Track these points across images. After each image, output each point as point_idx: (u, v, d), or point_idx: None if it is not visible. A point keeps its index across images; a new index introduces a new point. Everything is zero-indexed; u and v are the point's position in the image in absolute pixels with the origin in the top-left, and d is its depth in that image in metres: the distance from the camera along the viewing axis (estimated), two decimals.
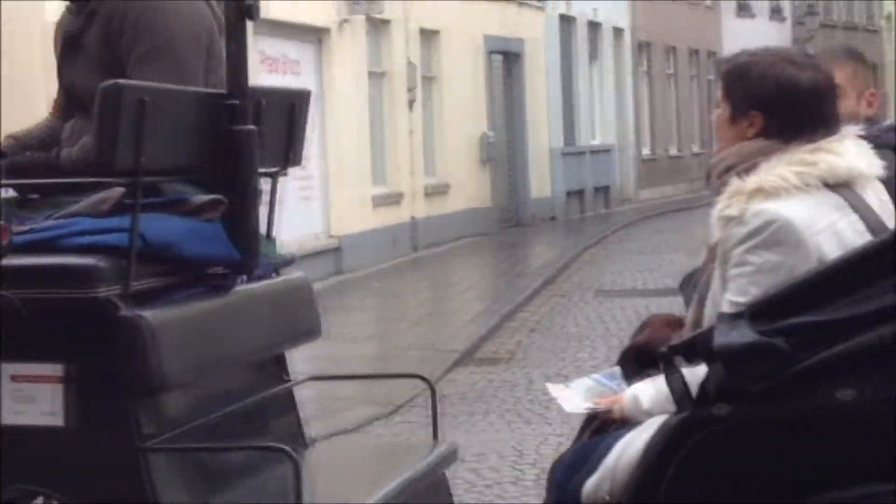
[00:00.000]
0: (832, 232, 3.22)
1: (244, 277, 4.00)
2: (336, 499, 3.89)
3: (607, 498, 3.32)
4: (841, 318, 2.93)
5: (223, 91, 3.91)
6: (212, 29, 4.13)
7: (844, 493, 2.96)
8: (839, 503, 2.97)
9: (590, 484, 3.38)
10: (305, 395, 9.23)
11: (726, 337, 2.94)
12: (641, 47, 31.25)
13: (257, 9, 3.88)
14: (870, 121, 4.22)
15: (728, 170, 3.34)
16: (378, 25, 19.18)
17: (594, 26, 28.62)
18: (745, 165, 3.30)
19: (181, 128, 3.79)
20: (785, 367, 2.92)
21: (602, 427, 3.61)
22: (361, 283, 16.63)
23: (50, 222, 3.70)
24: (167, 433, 3.63)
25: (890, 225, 3.30)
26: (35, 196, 3.98)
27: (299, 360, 12.02)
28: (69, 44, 4.11)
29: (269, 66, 16.15)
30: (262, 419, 4.20)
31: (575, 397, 3.72)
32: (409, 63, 20.08)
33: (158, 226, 3.71)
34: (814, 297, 2.97)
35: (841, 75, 4.14)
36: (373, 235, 18.28)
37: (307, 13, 16.80)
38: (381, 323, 13.98)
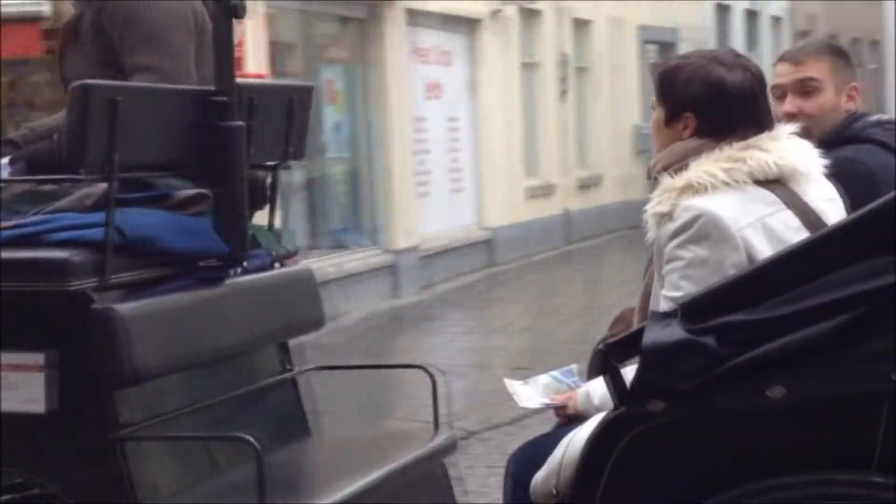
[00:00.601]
0: (760, 226, 3.27)
1: (237, 270, 4.05)
2: (328, 484, 3.98)
3: (554, 492, 3.39)
4: (772, 317, 2.95)
5: (210, 88, 3.98)
6: (199, 17, 4.23)
7: (775, 483, 3.00)
8: (770, 494, 3.01)
9: (538, 478, 3.45)
10: (458, 388, 9.15)
11: (655, 335, 2.99)
12: (801, 36, 30.61)
13: (243, 7, 3.96)
14: (853, 115, 4.22)
15: (664, 169, 3.42)
16: (530, 16, 19.03)
17: (752, 14, 28.10)
18: (679, 164, 3.38)
19: (164, 125, 3.87)
20: (714, 366, 2.95)
21: (568, 422, 3.67)
22: (514, 275, 16.50)
23: (35, 217, 3.84)
24: (147, 422, 3.74)
25: (831, 223, 3.31)
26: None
27: (456, 351, 11.95)
28: (67, 37, 4.26)
29: (420, 57, 16.11)
30: (260, 409, 4.28)
31: (532, 393, 3.79)
32: (562, 53, 19.88)
33: (138, 220, 3.81)
34: (746, 296, 3.00)
35: (819, 70, 4.20)
36: (525, 227, 18.14)
37: (460, 4, 16.72)
38: (535, 316, 13.82)
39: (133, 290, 3.77)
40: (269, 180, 4.37)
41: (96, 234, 3.69)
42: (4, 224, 3.79)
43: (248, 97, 4.03)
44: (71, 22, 4.29)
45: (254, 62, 12.18)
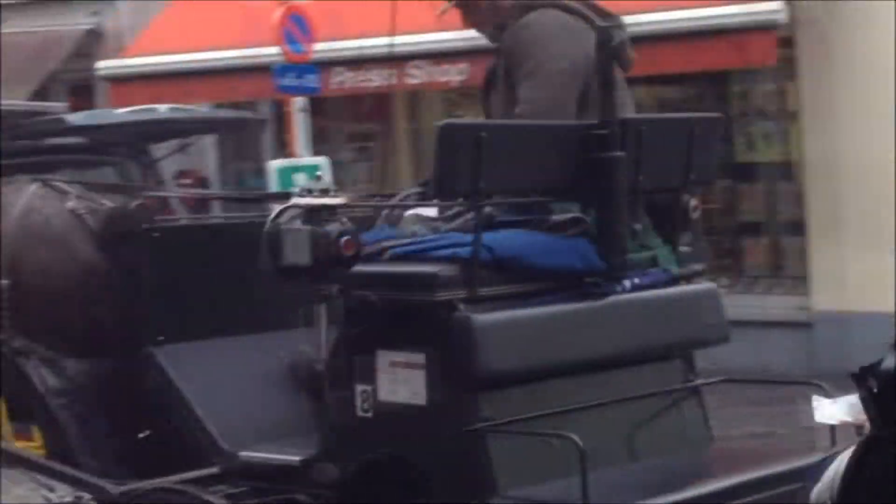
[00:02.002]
0: None
1: (626, 286, 4.47)
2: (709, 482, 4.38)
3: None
4: None
5: (590, 122, 4.43)
6: (592, 62, 4.55)
7: None
8: None
9: (816, 490, 3.57)
10: None
11: (892, 362, 3.02)
12: None
13: (624, 52, 4.55)
14: None
15: None
16: None
17: None
18: None
19: (535, 155, 4.35)
20: None
21: None
22: None
23: (428, 236, 4.46)
24: (513, 418, 4.15)
25: None
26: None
27: None
28: (488, 79, 4.88)
29: None
30: (663, 416, 4.66)
31: (835, 410, 3.97)
32: None
33: (510, 240, 4.34)
34: None
35: None
36: None
37: None
38: None
39: (503, 302, 4.27)
40: (691, 203, 4.79)
41: (467, 251, 4.23)
42: (402, 241, 4.44)
43: (636, 129, 4.49)
44: (489, 69, 4.90)
45: None
